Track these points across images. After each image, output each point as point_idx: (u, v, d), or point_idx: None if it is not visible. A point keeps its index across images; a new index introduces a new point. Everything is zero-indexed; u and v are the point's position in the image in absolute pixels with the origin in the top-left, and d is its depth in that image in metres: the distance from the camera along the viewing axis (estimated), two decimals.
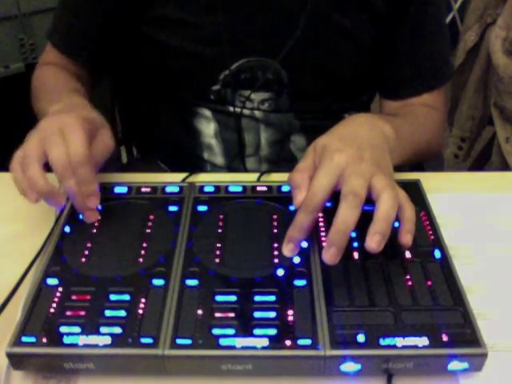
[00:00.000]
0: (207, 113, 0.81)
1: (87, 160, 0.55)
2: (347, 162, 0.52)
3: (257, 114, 0.80)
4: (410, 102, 0.80)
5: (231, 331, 0.47)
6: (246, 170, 0.84)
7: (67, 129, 0.56)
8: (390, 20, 0.75)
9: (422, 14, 0.76)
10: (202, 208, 0.60)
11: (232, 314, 0.48)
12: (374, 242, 0.49)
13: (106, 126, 0.62)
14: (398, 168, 0.64)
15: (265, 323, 0.47)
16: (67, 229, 0.57)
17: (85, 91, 0.76)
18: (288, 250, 0.53)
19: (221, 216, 0.59)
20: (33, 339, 0.46)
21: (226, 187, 0.63)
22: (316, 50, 0.75)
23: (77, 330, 0.47)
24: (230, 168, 0.84)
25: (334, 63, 0.77)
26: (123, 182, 0.63)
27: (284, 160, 0.84)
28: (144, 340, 0.46)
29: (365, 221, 0.55)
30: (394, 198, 0.50)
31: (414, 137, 0.73)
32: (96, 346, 0.46)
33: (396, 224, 0.57)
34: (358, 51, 0.77)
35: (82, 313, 0.48)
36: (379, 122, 0.62)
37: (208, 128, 0.82)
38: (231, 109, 0.79)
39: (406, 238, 0.51)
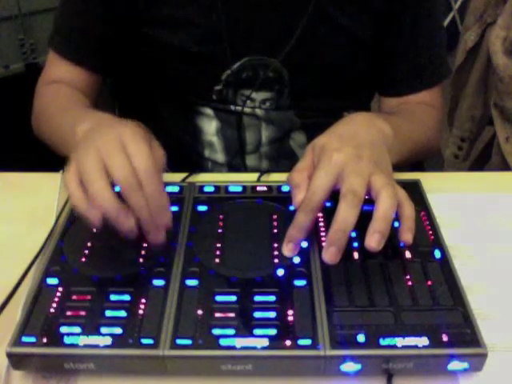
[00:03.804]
0: (209, 111, 0.81)
1: (155, 173, 0.51)
2: (346, 161, 0.52)
3: (258, 111, 0.80)
4: (409, 100, 0.81)
5: (231, 331, 0.47)
6: (245, 167, 0.84)
7: (127, 140, 0.51)
8: (389, 19, 0.75)
9: (420, 13, 0.77)
10: (202, 208, 0.60)
11: (232, 314, 0.48)
12: (374, 241, 0.49)
13: (152, 136, 0.57)
14: (398, 167, 0.64)
15: (265, 323, 0.47)
16: (67, 228, 0.57)
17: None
18: (288, 249, 0.53)
19: (221, 216, 0.59)
20: (33, 339, 0.46)
21: (226, 187, 0.63)
22: (316, 49, 0.75)
23: (77, 330, 0.47)
24: (230, 165, 0.84)
25: (334, 62, 0.77)
26: None
27: (284, 157, 0.84)
28: (144, 341, 0.46)
29: (365, 220, 0.55)
30: (393, 197, 0.50)
31: (412, 135, 0.74)
32: (96, 346, 0.46)
33: (396, 224, 0.57)
34: (358, 50, 0.77)
35: (83, 313, 0.48)
36: (378, 120, 0.62)
37: (210, 126, 0.82)
38: (232, 107, 0.79)
39: (407, 236, 0.51)
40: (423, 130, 0.78)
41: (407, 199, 0.53)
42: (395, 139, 0.63)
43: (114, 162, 0.50)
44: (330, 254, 0.49)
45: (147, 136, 0.55)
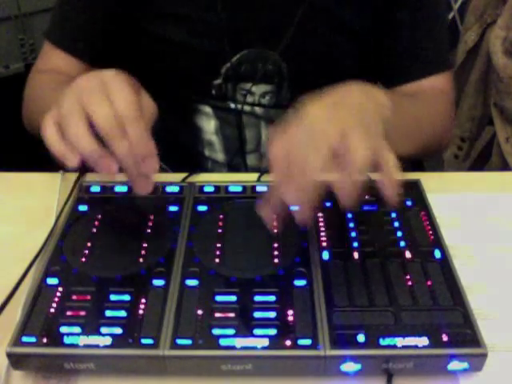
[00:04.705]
0: (208, 109, 0.81)
1: (139, 118, 0.48)
2: (323, 120, 0.48)
3: (257, 110, 0.80)
4: (413, 88, 0.78)
5: (231, 331, 0.47)
6: (246, 167, 0.84)
7: (110, 83, 0.49)
8: (390, 8, 0.75)
9: (421, 4, 0.76)
10: (202, 208, 0.60)
11: (232, 314, 0.48)
12: (345, 187, 0.45)
13: (142, 88, 0.54)
14: (407, 153, 0.61)
15: (265, 323, 0.47)
16: (67, 228, 0.57)
17: None
18: (265, 213, 0.50)
19: (221, 216, 0.59)
20: (33, 339, 0.46)
21: (226, 187, 0.63)
22: (315, 41, 0.75)
23: (77, 330, 0.47)
24: (230, 164, 0.84)
25: (333, 54, 0.77)
26: (124, 181, 0.63)
27: None
28: (144, 340, 0.46)
29: (365, 221, 0.55)
30: (367, 147, 0.46)
31: (419, 114, 0.72)
32: (96, 346, 0.46)
33: (396, 224, 0.58)
34: (358, 42, 0.77)
35: (83, 313, 0.48)
36: (374, 90, 0.58)
37: (209, 125, 0.82)
38: (232, 105, 0.79)
39: (389, 192, 0.47)
40: (431, 112, 0.76)
41: (392, 160, 0.48)
42: (394, 112, 0.59)
43: (94, 106, 0.48)
44: (292, 195, 0.46)
45: (135, 84, 0.52)
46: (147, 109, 0.52)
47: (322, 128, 0.47)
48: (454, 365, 0.46)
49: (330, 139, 0.46)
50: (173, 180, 0.65)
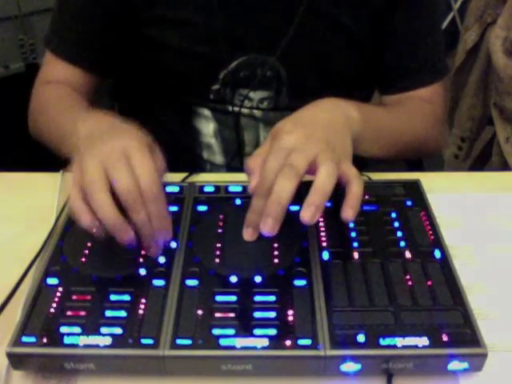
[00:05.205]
0: (206, 112, 0.81)
1: (160, 192, 0.51)
2: (295, 143, 0.52)
3: (256, 112, 0.80)
4: (406, 97, 0.80)
5: (231, 331, 0.47)
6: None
7: (132, 151, 0.51)
8: (388, 15, 0.75)
9: (418, 10, 0.76)
10: (202, 208, 0.60)
11: (232, 314, 0.48)
12: (308, 213, 0.49)
13: (155, 146, 0.56)
14: (396, 166, 0.64)
15: (265, 323, 0.47)
16: (67, 228, 0.57)
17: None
18: (248, 234, 0.53)
19: (221, 216, 0.59)
20: (33, 339, 0.46)
21: (226, 187, 0.63)
22: (314, 46, 0.75)
23: (77, 330, 0.47)
24: (229, 167, 0.84)
25: (332, 59, 0.77)
26: None
27: None
28: (144, 341, 0.46)
29: (365, 221, 0.55)
30: (331, 172, 0.50)
31: (397, 126, 0.74)
32: (96, 346, 0.46)
33: (396, 224, 0.57)
34: (356, 47, 0.77)
35: (83, 313, 0.48)
36: (345, 105, 0.63)
37: (207, 127, 0.82)
38: (230, 108, 0.79)
39: (346, 213, 0.50)
40: (414, 124, 0.78)
41: (356, 177, 0.52)
42: (366, 125, 0.63)
43: (118, 174, 0.50)
44: (268, 225, 0.49)
45: (149, 142, 0.55)
46: (160, 166, 0.54)
47: (293, 156, 0.51)
48: (454, 365, 0.46)
49: (299, 168, 0.50)
50: (173, 180, 0.65)
